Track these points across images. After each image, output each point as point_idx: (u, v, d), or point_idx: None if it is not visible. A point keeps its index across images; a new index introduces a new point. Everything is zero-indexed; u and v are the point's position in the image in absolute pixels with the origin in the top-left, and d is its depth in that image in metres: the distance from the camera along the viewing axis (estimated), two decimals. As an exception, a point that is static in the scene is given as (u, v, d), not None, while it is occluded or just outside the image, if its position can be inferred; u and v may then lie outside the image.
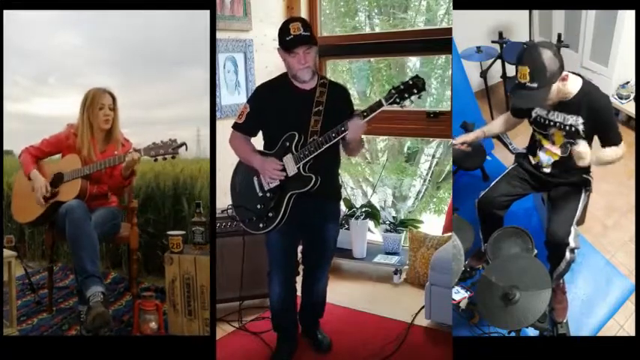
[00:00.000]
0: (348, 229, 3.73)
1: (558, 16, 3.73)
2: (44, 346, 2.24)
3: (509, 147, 2.69)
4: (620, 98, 3.47)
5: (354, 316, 3.11)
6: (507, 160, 2.82)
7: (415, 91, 2.12)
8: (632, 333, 2.43)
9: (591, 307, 2.56)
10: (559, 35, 3.47)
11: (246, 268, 3.03)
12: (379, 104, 2.16)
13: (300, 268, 2.69)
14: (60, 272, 3.73)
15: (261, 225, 2.39)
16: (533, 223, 2.83)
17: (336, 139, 2.24)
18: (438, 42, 3.40)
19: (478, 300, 2.20)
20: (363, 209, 3.78)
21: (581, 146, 2.22)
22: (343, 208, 3.73)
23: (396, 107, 2.19)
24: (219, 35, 3.28)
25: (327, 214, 2.53)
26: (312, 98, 2.33)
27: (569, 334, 2.40)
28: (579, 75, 2.23)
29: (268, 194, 2.38)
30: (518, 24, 3.80)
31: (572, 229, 2.26)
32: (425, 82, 2.12)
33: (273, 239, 2.46)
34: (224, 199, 2.92)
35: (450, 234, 3.20)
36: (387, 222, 3.81)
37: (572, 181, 2.35)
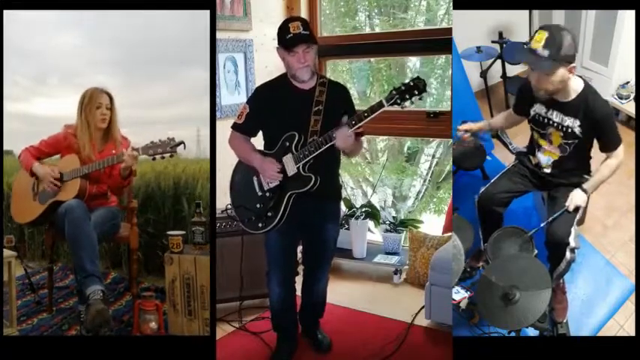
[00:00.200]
0: (348, 229, 3.73)
1: (558, 16, 3.73)
2: (44, 346, 2.23)
3: (509, 147, 2.69)
4: (620, 98, 3.47)
5: (354, 316, 3.11)
6: (507, 160, 2.82)
7: (416, 93, 2.12)
8: (632, 333, 2.43)
9: (591, 307, 2.56)
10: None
11: (245, 268, 3.03)
12: (380, 105, 2.15)
13: (300, 268, 2.70)
14: (60, 272, 3.73)
15: (260, 225, 2.39)
16: (533, 223, 2.83)
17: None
18: (438, 42, 3.41)
19: (478, 300, 2.20)
20: (363, 209, 3.78)
21: (577, 196, 2.25)
22: (343, 208, 3.73)
23: (396, 107, 2.18)
24: (219, 35, 3.28)
25: (327, 214, 2.53)
26: (311, 98, 2.32)
27: (569, 334, 2.40)
28: (581, 77, 2.23)
29: (268, 194, 2.38)
30: (518, 24, 3.80)
31: (573, 229, 2.26)
32: (426, 83, 2.12)
33: (273, 239, 2.46)
34: (224, 199, 2.92)
35: (450, 234, 3.20)
36: (387, 222, 3.81)
37: (572, 182, 2.35)
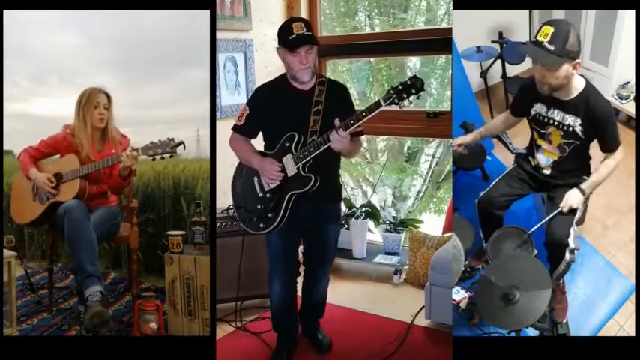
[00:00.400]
0: (348, 229, 3.72)
1: (558, 16, 3.71)
2: (44, 346, 2.23)
3: (509, 147, 2.69)
4: (620, 98, 3.47)
5: (354, 316, 3.11)
6: (507, 160, 2.82)
7: (414, 92, 2.11)
8: (632, 333, 2.43)
9: (591, 307, 2.56)
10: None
11: (246, 268, 3.02)
12: (378, 104, 2.15)
13: (301, 268, 2.70)
14: (60, 272, 3.73)
15: (261, 225, 2.39)
16: (533, 224, 2.82)
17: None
18: (438, 42, 3.40)
19: (478, 300, 2.20)
20: (363, 209, 3.78)
21: (572, 196, 2.25)
22: (343, 208, 3.73)
23: (394, 107, 2.18)
24: (219, 35, 3.28)
25: (328, 215, 2.53)
26: (310, 98, 2.32)
27: (569, 334, 2.40)
28: (583, 76, 2.23)
29: (268, 195, 2.38)
30: (518, 24, 3.80)
31: (572, 229, 2.26)
32: (424, 82, 2.11)
33: (274, 240, 2.46)
34: (224, 199, 2.92)
35: (450, 234, 3.20)
36: (387, 222, 3.81)
37: (571, 183, 2.35)
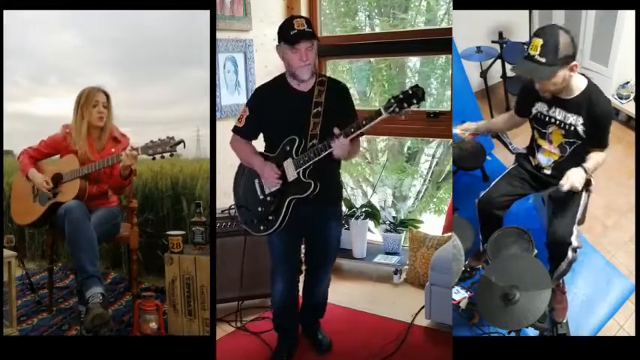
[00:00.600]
0: (348, 229, 3.72)
1: (558, 16, 3.73)
2: (44, 346, 2.23)
3: (509, 147, 2.69)
4: (620, 98, 3.47)
5: (354, 316, 3.11)
6: (507, 160, 2.82)
7: (415, 101, 2.10)
8: (632, 333, 2.43)
9: (591, 307, 2.56)
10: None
11: (246, 269, 3.02)
12: (378, 113, 2.14)
13: (303, 267, 2.69)
14: (60, 272, 3.73)
15: (262, 227, 2.39)
16: (533, 224, 2.83)
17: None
18: (438, 42, 3.40)
19: (478, 300, 2.20)
20: (363, 209, 3.78)
21: (575, 174, 2.19)
22: (343, 208, 3.73)
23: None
24: (219, 35, 3.27)
25: (329, 217, 2.51)
26: (310, 99, 2.30)
27: (569, 334, 2.40)
28: (584, 76, 2.23)
29: (269, 198, 2.37)
30: (518, 24, 3.80)
31: (574, 228, 2.26)
32: (424, 91, 2.10)
33: (275, 242, 2.46)
34: (224, 199, 2.92)
35: (450, 234, 3.20)
36: (387, 222, 3.81)
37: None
